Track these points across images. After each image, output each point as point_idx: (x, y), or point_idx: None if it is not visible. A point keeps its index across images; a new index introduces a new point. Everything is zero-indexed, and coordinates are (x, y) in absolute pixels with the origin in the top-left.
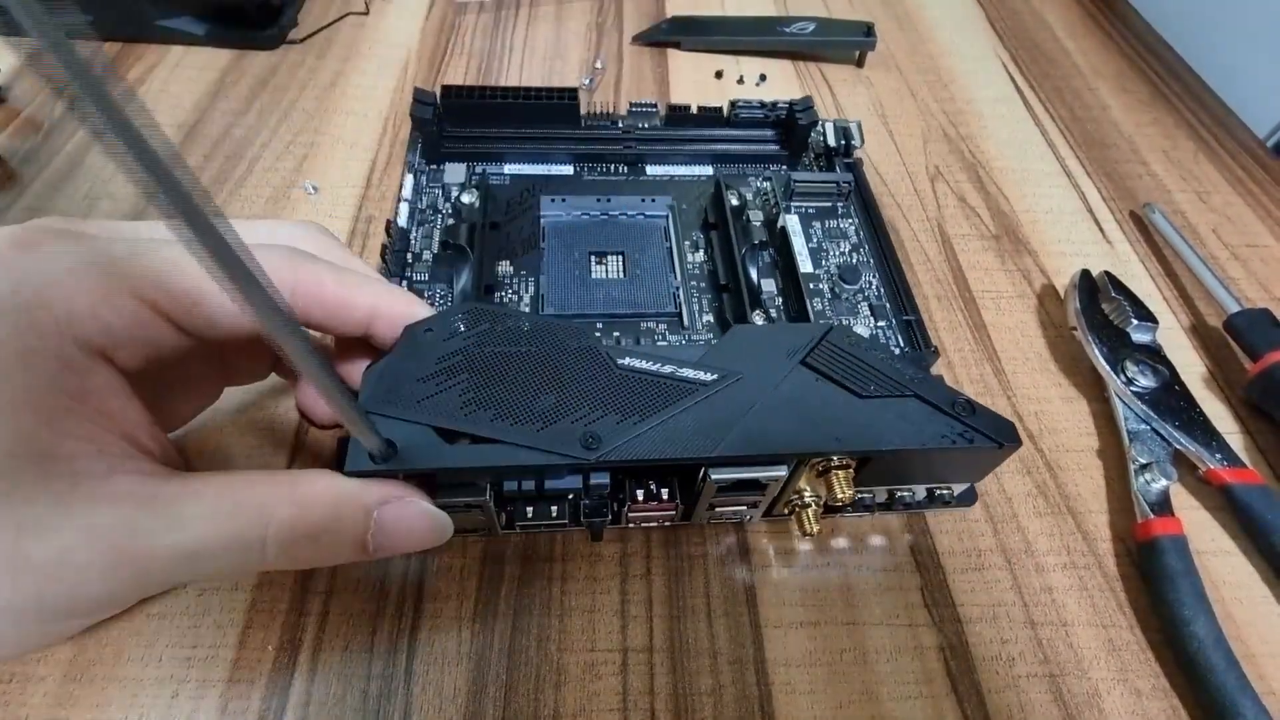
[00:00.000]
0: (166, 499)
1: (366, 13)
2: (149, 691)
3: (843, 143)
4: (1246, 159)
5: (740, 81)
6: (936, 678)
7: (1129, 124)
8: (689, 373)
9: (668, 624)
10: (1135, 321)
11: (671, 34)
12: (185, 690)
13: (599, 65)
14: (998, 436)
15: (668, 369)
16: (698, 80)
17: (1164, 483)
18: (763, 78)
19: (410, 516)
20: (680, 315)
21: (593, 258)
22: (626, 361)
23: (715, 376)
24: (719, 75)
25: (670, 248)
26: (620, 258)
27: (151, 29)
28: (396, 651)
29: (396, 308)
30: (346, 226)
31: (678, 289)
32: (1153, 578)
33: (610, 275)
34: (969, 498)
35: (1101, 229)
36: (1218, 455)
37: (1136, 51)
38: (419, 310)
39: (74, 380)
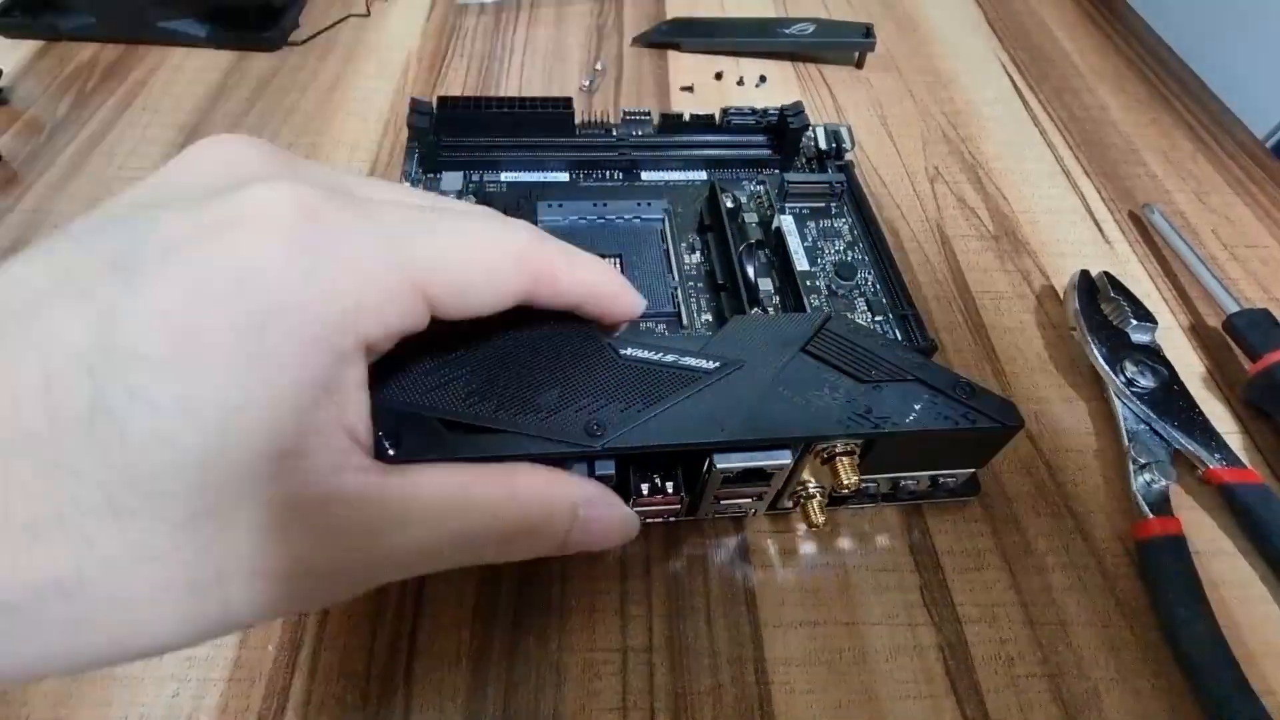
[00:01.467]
0: (393, 500)
1: (368, 14)
2: (150, 690)
3: (834, 145)
4: (1245, 159)
5: (740, 83)
6: (936, 677)
7: (1128, 124)
8: (691, 361)
9: (667, 623)
10: (1134, 322)
11: (671, 35)
12: (186, 689)
13: (599, 67)
14: (999, 417)
15: (670, 358)
16: (698, 81)
17: (1163, 483)
18: (762, 79)
19: (610, 517)
20: (679, 315)
21: None
22: (629, 352)
23: (717, 365)
24: (719, 77)
25: (667, 250)
26: (618, 260)
27: (153, 30)
28: (397, 651)
29: (611, 288)
30: None
31: (675, 289)
32: (1152, 578)
33: None
34: (972, 486)
35: (1100, 229)
36: (1217, 455)
37: (1135, 52)
38: (628, 295)
39: (336, 375)
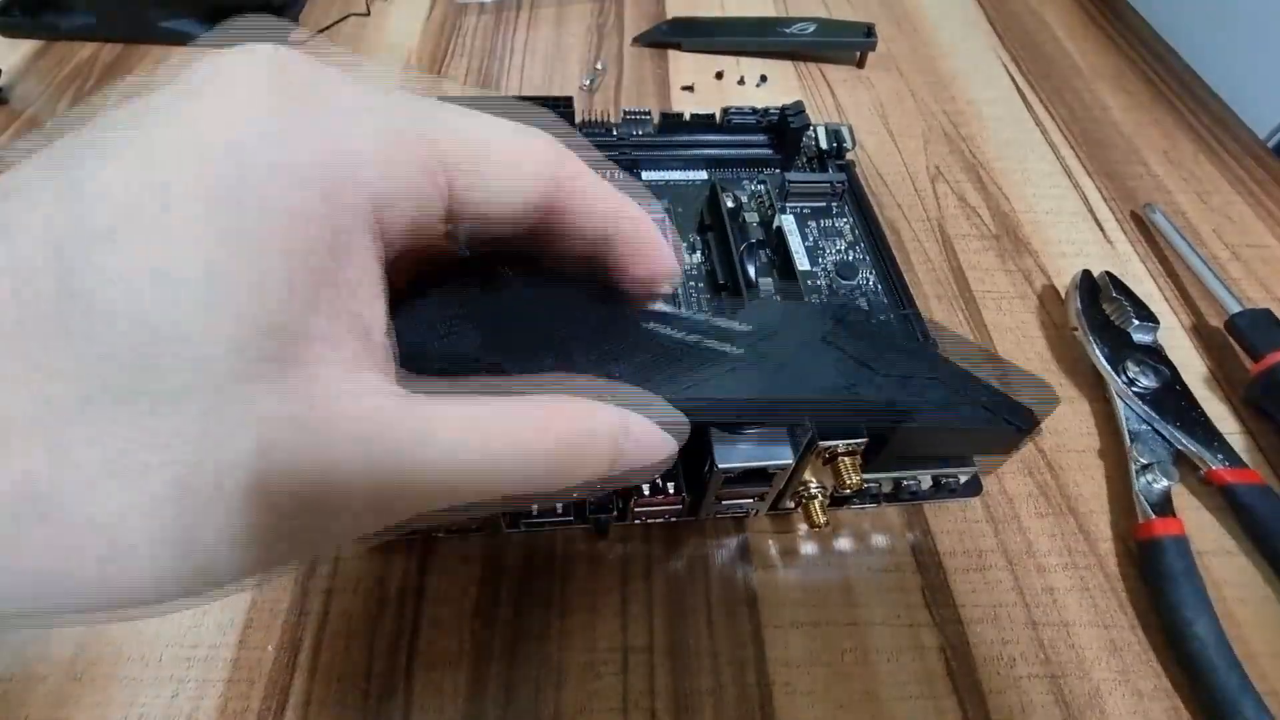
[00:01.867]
0: (415, 424)
1: (368, 13)
2: (149, 691)
3: (834, 145)
4: (1247, 159)
5: (741, 82)
6: (938, 678)
7: (1129, 124)
8: (714, 343)
9: (668, 623)
10: (1136, 322)
11: (672, 35)
12: (185, 690)
13: (600, 66)
14: (1014, 419)
15: (693, 338)
16: (698, 81)
17: (1165, 483)
18: (763, 78)
19: (651, 443)
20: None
21: None
22: (651, 326)
23: (740, 350)
24: (719, 76)
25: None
26: None
27: (153, 30)
28: (397, 651)
29: (645, 229)
30: None
31: (677, 289)
32: (1154, 578)
33: None
34: (974, 487)
35: (1102, 229)
36: (1219, 455)
37: (1136, 52)
38: (665, 249)
39: (339, 256)
